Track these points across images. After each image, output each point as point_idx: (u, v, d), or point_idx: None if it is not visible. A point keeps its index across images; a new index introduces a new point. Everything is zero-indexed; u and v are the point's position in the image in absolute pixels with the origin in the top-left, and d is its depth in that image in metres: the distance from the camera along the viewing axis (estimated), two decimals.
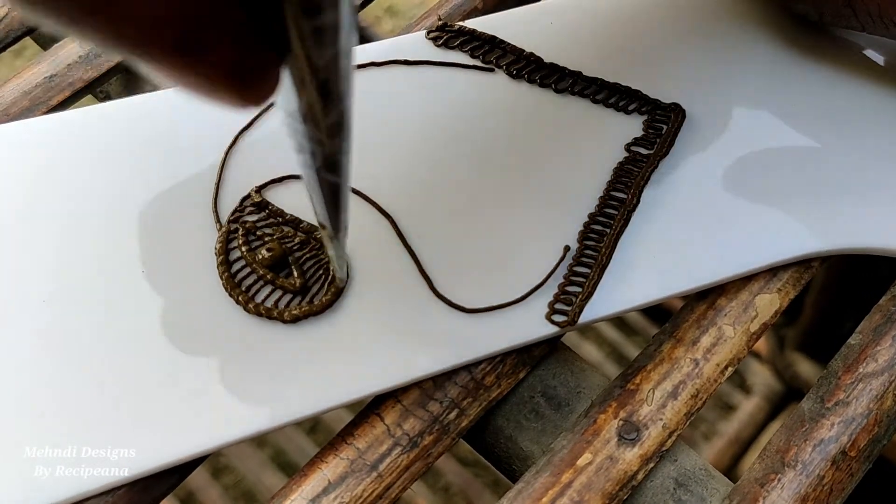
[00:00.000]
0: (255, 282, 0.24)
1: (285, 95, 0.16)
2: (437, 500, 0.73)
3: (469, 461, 0.74)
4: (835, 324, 0.63)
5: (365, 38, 0.81)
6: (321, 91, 0.15)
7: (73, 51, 0.30)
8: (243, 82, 0.14)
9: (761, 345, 0.71)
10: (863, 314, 0.27)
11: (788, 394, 0.69)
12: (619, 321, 0.80)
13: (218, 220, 0.25)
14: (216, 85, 0.14)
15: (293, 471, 0.72)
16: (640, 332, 0.78)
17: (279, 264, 0.25)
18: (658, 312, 0.75)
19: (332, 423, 0.73)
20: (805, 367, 0.66)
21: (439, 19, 0.30)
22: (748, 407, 0.69)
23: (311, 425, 0.76)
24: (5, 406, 0.22)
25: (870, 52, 0.30)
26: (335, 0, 0.13)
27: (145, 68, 0.14)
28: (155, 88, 0.30)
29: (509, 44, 0.29)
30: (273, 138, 0.27)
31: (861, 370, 0.25)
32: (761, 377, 0.70)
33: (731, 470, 0.66)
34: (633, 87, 0.28)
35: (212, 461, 0.74)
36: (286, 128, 0.17)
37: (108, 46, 0.14)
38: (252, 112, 0.15)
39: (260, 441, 0.75)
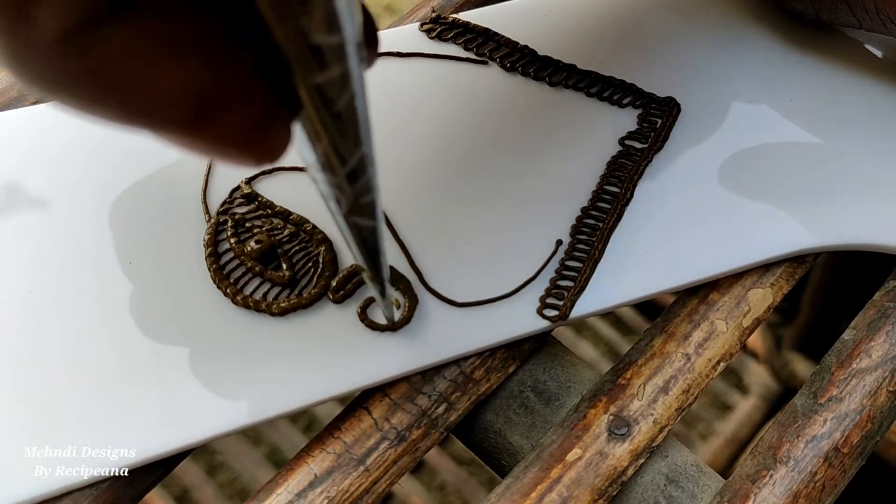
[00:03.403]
0: (244, 274, 0.24)
1: (302, 147, 0.16)
2: (433, 499, 0.73)
3: (464, 459, 0.74)
4: (832, 323, 0.62)
5: None
6: (335, 142, 0.15)
7: None
8: (256, 144, 0.14)
9: (758, 344, 0.70)
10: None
11: (785, 393, 0.69)
12: (615, 319, 0.80)
13: (207, 212, 0.25)
14: (230, 150, 0.14)
15: None
16: (637, 331, 0.78)
17: (268, 256, 0.25)
18: (654, 310, 0.75)
19: (327, 421, 0.72)
20: (802, 367, 0.66)
21: (433, 11, 0.29)
22: (745, 407, 0.68)
23: (307, 423, 0.76)
24: (5, 407, 0.22)
25: (868, 46, 0.30)
26: (341, 54, 0.13)
27: (157, 139, 0.14)
28: None
29: (503, 36, 0.29)
30: None
31: (854, 366, 0.25)
32: (758, 377, 0.70)
33: (727, 469, 0.66)
34: (628, 81, 0.28)
35: (206, 459, 0.74)
36: (308, 177, 0.17)
37: (121, 125, 0.13)
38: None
39: (255, 439, 0.75)
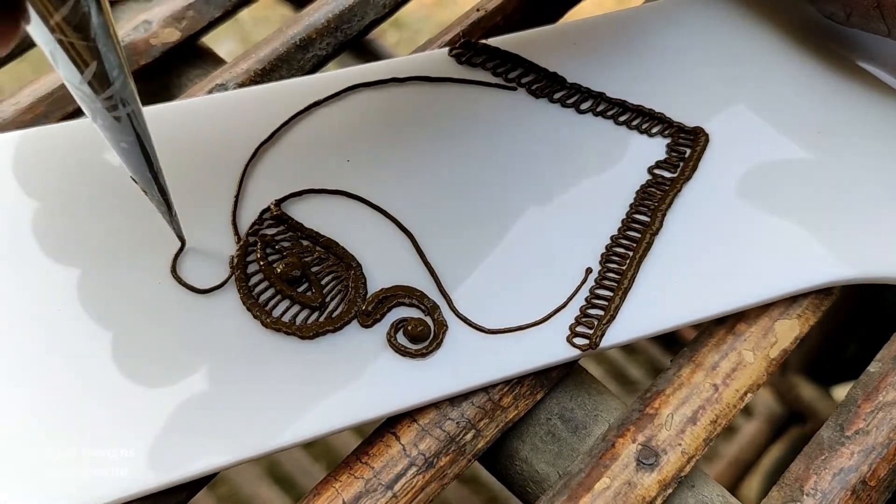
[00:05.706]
0: (273, 296, 0.24)
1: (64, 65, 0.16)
2: None
3: (466, 477, 0.74)
4: (838, 347, 0.62)
5: (370, 50, 0.79)
6: (71, 46, 0.15)
7: None
8: None
9: None
10: (867, 338, 0.26)
11: (790, 417, 0.69)
12: None
13: (237, 234, 0.25)
14: None
15: (288, 483, 0.72)
16: (640, 352, 0.78)
17: (297, 278, 0.24)
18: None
19: (330, 437, 0.72)
20: (807, 391, 0.66)
21: (462, 36, 0.30)
22: (749, 429, 0.68)
23: None
24: (8, 407, 0.22)
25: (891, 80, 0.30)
26: None
27: None
28: (172, 99, 0.30)
29: (532, 63, 0.29)
30: (293, 152, 0.27)
31: (881, 399, 0.25)
32: (763, 400, 0.70)
33: (731, 492, 0.66)
34: (657, 111, 0.28)
35: None
36: (75, 96, 0.18)
37: None
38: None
39: None
